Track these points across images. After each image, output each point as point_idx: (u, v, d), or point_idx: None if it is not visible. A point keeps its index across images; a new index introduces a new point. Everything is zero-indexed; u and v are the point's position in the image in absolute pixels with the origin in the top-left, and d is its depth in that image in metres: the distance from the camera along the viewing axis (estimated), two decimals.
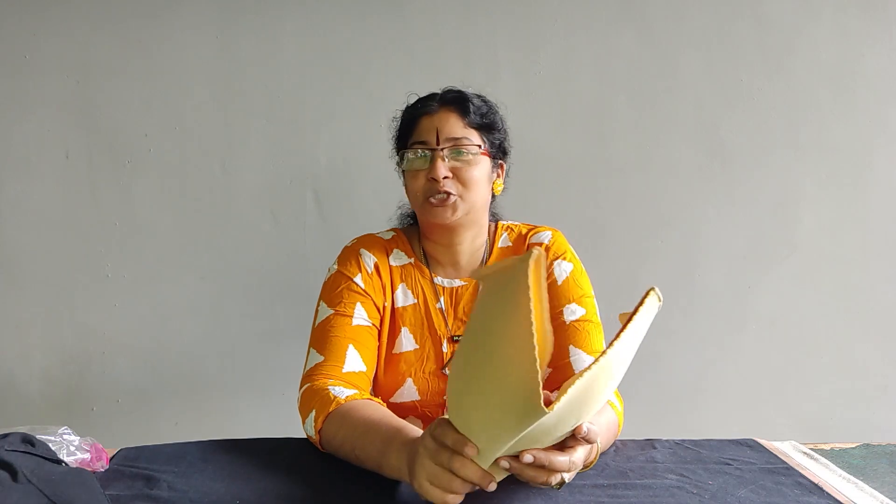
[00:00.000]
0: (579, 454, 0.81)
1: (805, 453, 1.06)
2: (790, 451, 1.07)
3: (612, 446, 1.05)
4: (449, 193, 1.13)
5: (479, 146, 1.15)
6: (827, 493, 0.90)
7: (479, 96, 1.20)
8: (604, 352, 0.73)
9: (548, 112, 1.92)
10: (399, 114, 1.24)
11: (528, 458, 0.77)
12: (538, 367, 0.68)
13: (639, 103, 1.93)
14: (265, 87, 1.89)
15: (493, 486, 0.79)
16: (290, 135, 1.90)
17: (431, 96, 1.19)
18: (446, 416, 0.80)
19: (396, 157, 1.23)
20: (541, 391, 0.68)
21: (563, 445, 0.80)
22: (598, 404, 0.78)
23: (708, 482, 0.93)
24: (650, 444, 1.07)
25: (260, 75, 1.88)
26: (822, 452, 1.07)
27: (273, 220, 1.92)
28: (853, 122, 1.95)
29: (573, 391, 0.71)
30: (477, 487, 0.79)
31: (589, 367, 0.72)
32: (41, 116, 1.86)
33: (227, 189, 1.91)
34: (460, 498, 0.79)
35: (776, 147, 1.95)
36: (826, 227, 1.97)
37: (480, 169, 1.15)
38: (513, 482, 0.88)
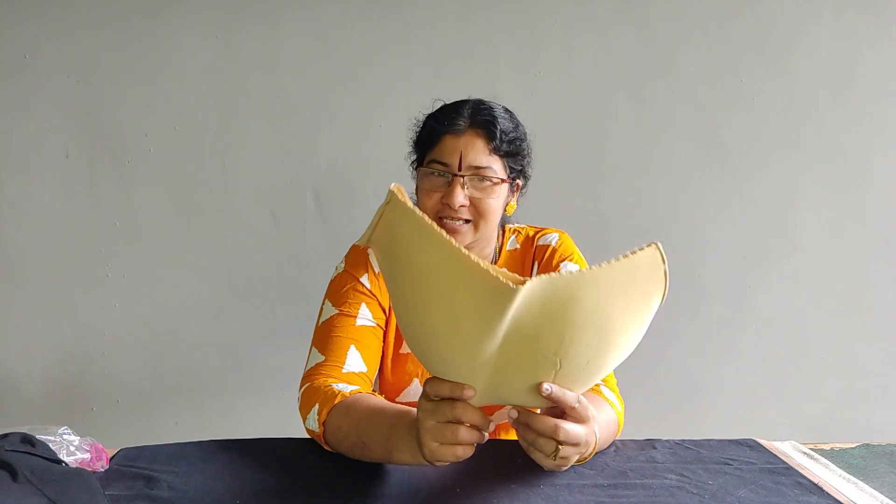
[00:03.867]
0: (575, 428, 0.80)
1: (805, 453, 1.06)
2: (790, 451, 1.07)
3: (611, 446, 1.05)
4: (462, 220, 1.10)
5: (502, 178, 1.11)
6: (827, 493, 0.90)
7: (508, 116, 1.14)
8: (591, 268, 0.72)
9: (548, 112, 1.92)
10: (422, 116, 1.19)
11: (512, 413, 0.81)
12: (481, 262, 0.68)
13: (639, 103, 1.93)
14: (265, 87, 1.89)
15: (492, 426, 0.81)
16: (290, 135, 1.90)
17: (459, 111, 1.12)
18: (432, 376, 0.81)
19: (413, 162, 1.20)
20: (502, 277, 0.67)
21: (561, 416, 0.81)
22: (583, 334, 0.75)
23: (708, 482, 0.93)
24: (650, 444, 1.07)
25: (260, 75, 1.88)
26: (822, 452, 1.07)
27: (273, 220, 1.92)
28: (853, 122, 1.95)
29: (549, 278, 0.69)
30: (484, 438, 0.80)
31: (570, 273, 0.71)
32: (41, 116, 1.86)
33: (227, 189, 1.91)
34: (471, 450, 0.80)
35: (776, 147, 1.95)
36: (826, 227, 1.97)
37: (498, 199, 1.12)
38: (513, 482, 0.88)
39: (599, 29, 1.91)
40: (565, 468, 0.84)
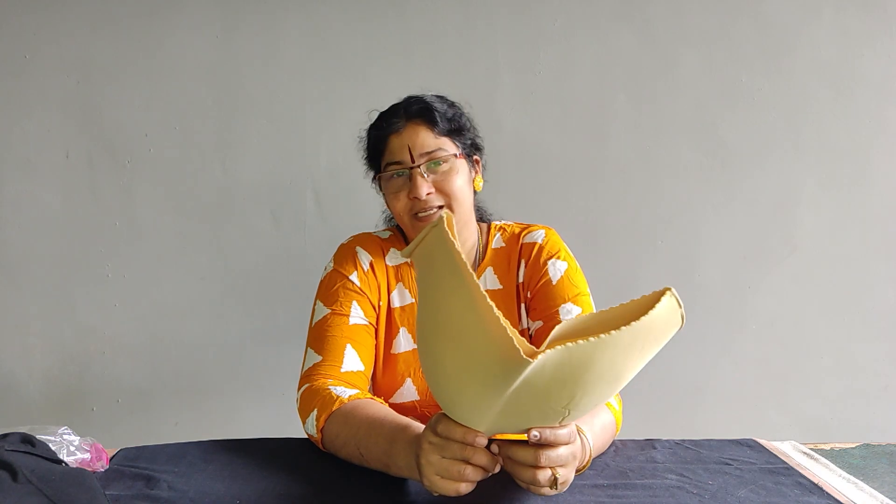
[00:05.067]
0: (560, 451, 0.79)
1: (805, 453, 1.06)
2: (790, 451, 1.07)
3: (611, 446, 1.05)
4: (435, 208, 1.12)
5: (455, 154, 1.13)
6: (827, 493, 0.90)
7: (441, 99, 1.18)
8: (609, 332, 0.69)
9: (548, 112, 1.92)
10: (364, 133, 1.21)
11: (493, 448, 0.78)
12: (501, 319, 0.68)
13: (639, 103, 1.93)
14: (265, 87, 1.89)
15: (498, 468, 0.80)
16: (290, 134, 1.90)
17: (394, 112, 1.16)
18: (444, 412, 0.80)
19: (372, 177, 1.22)
20: (516, 343, 0.67)
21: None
22: (594, 390, 0.74)
23: (708, 482, 0.93)
24: (650, 444, 1.07)
25: (260, 75, 1.88)
26: (822, 452, 1.07)
27: (273, 220, 1.92)
28: (853, 122, 1.95)
29: (564, 349, 0.68)
30: (488, 474, 0.80)
31: (587, 339, 0.68)
32: (41, 116, 1.86)
33: (227, 189, 1.91)
34: (472, 486, 0.80)
35: (776, 147, 1.95)
36: (826, 227, 1.97)
37: (461, 175, 1.14)
38: (513, 482, 0.88)
39: (599, 29, 1.91)
40: (566, 487, 0.83)
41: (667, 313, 0.73)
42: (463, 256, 0.71)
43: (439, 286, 0.73)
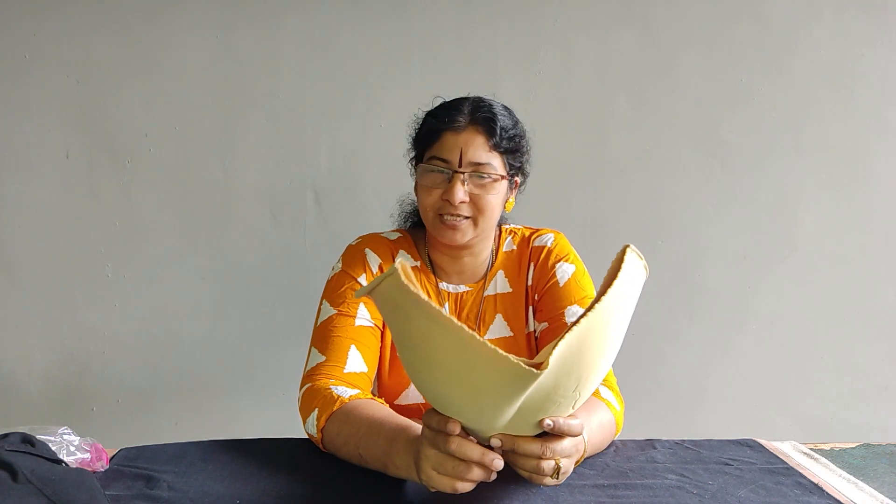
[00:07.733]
0: (564, 444, 0.80)
1: (805, 453, 1.06)
2: (790, 451, 1.07)
3: (611, 446, 1.05)
4: (462, 217, 1.11)
5: (501, 176, 1.12)
6: (827, 493, 0.90)
7: (508, 113, 1.15)
8: (591, 306, 0.73)
9: (548, 112, 1.92)
10: (422, 114, 1.19)
11: (495, 441, 0.78)
12: (495, 348, 0.69)
13: (639, 103, 1.93)
14: (265, 87, 1.89)
15: (499, 464, 0.79)
16: (290, 135, 1.90)
17: (459, 108, 1.12)
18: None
19: (412, 160, 1.21)
20: (524, 365, 0.68)
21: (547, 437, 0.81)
22: (596, 365, 0.76)
23: (708, 482, 0.93)
24: (650, 444, 1.07)
25: (260, 75, 1.88)
26: (822, 452, 1.07)
27: (273, 221, 1.92)
28: (853, 122, 1.95)
29: (564, 344, 0.71)
30: (491, 478, 0.79)
31: (577, 322, 0.72)
32: (41, 116, 1.86)
33: (227, 189, 1.91)
34: (470, 486, 0.79)
35: (776, 147, 1.95)
36: (826, 227, 1.97)
37: (498, 195, 1.12)
38: (513, 482, 0.88)
39: (599, 29, 1.91)
40: (565, 478, 0.84)
41: (633, 269, 0.78)
42: (428, 299, 0.70)
43: (415, 329, 0.73)
